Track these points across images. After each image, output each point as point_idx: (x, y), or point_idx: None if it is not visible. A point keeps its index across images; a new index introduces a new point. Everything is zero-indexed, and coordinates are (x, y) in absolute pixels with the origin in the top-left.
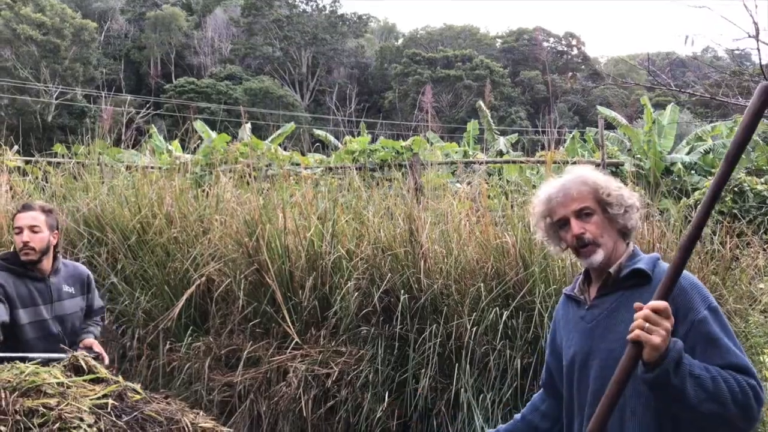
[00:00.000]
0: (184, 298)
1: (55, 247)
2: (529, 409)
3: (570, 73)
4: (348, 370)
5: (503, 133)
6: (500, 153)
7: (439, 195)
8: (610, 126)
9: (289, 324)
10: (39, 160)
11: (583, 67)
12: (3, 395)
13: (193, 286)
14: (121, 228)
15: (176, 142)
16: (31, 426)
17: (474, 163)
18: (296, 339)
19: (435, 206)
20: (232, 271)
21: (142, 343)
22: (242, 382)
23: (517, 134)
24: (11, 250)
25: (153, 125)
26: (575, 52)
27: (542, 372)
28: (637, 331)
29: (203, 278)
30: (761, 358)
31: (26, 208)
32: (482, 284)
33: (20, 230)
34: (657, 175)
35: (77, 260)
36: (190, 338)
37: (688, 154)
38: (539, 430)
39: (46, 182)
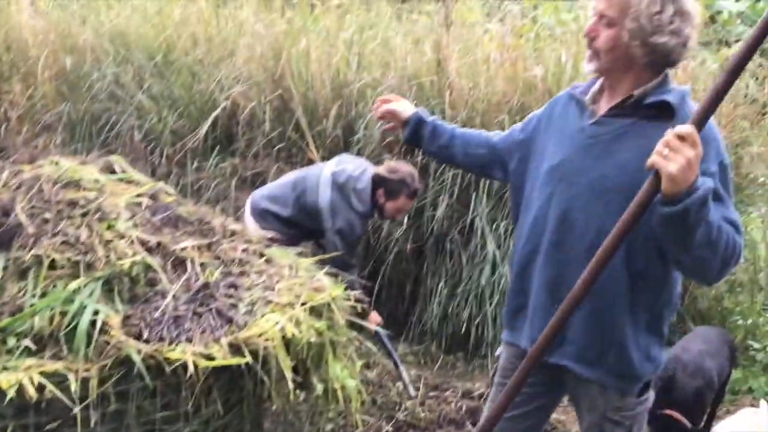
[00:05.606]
0: (211, 119)
1: None
2: (470, 136)
3: None
4: None
5: None
6: None
7: (470, 29)
8: None
9: (313, 150)
10: None
11: None
12: (45, 187)
13: (219, 109)
14: (146, 47)
15: None
16: (73, 215)
17: None
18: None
19: (466, 35)
20: (257, 95)
21: (170, 161)
22: None
23: None
24: None
25: None
26: None
27: (497, 135)
28: (654, 158)
29: (229, 101)
30: None
31: None
32: (506, 117)
33: None
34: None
35: (104, 77)
36: (217, 158)
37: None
38: (462, 153)
39: None
